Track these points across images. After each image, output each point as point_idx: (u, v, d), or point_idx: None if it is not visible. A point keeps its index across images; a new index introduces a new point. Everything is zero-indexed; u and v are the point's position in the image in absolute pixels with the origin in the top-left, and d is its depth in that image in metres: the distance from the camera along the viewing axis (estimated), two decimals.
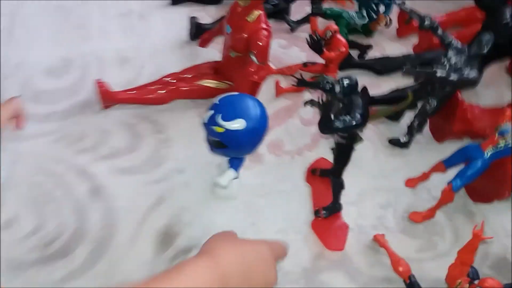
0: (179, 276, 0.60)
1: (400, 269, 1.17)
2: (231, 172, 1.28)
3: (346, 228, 1.31)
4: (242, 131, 1.15)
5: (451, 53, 1.38)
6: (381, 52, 1.94)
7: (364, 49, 1.87)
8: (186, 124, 1.56)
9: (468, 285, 1.00)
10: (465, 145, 1.31)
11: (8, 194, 1.29)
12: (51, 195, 1.33)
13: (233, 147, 1.19)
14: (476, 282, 1.00)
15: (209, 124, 1.17)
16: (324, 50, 1.65)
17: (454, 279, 1.05)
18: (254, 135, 1.19)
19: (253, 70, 1.45)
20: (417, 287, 1.15)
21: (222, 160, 1.33)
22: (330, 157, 1.47)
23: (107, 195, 1.34)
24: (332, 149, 1.53)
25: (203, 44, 1.82)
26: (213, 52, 1.79)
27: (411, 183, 1.45)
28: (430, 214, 1.34)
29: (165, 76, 1.62)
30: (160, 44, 1.87)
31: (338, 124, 1.08)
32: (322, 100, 1.21)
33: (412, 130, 1.51)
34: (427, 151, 1.56)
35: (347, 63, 1.77)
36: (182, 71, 1.63)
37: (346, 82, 1.14)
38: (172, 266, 0.60)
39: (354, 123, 1.08)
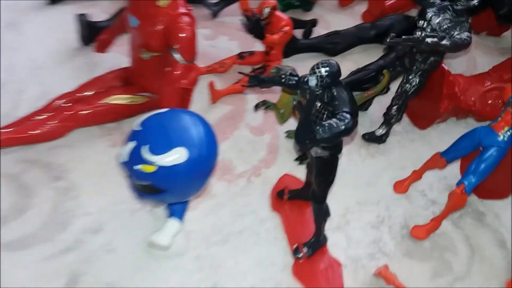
0: None
1: None
2: (173, 224, 0.98)
3: (338, 266, 1.09)
4: (183, 165, 0.88)
5: (430, 13, 1.20)
6: (326, 28, 1.76)
7: (309, 26, 1.66)
8: (95, 160, 1.27)
9: None
10: (472, 130, 1.14)
11: None
12: None
13: (173, 190, 0.92)
14: None
15: (132, 162, 0.88)
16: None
17: None
18: (202, 166, 0.93)
19: (179, 72, 1.21)
20: None
21: (155, 205, 1.02)
22: (296, 171, 1.23)
23: None
24: (300, 160, 1.29)
25: (101, 48, 1.55)
26: (117, 57, 1.52)
27: (400, 187, 1.27)
28: (435, 225, 1.17)
29: (56, 99, 1.32)
30: (42, 57, 1.55)
31: (322, 132, 0.84)
32: (299, 102, 0.97)
33: (389, 119, 1.31)
34: (410, 142, 1.40)
35: (292, 46, 1.57)
36: (79, 88, 1.36)
37: (324, 70, 0.89)
38: None
39: (343, 127, 0.84)
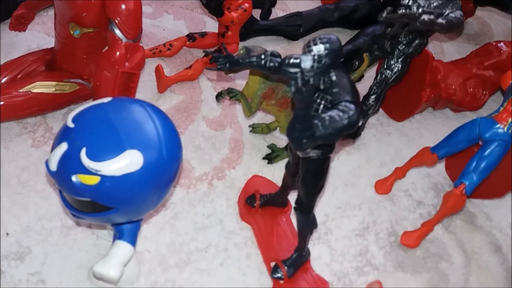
0: None
1: None
2: (123, 249, 0.77)
3: (325, 286, 0.94)
4: (137, 174, 0.68)
5: None
6: (283, 10, 1.63)
7: (267, 6, 1.52)
8: (12, 166, 1.07)
9: None
10: (470, 121, 1.03)
11: None
12: None
13: (123, 207, 0.71)
14: None
15: (65, 172, 0.66)
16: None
17: None
18: (161, 173, 0.74)
19: (120, 53, 1.04)
20: None
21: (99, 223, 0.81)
22: (267, 172, 1.07)
23: None
24: (269, 158, 1.14)
25: (18, 25, 1.36)
26: (39, 36, 1.34)
27: (383, 187, 1.16)
28: (426, 231, 1.06)
29: None
30: None
31: (322, 128, 0.67)
32: (299, 84, 0.72)
33: (367, 110, 1.19)
34: (386, 135, 1.30)
35: (249, 28, 1.43)
36: None
37: (323, 47, 0.73)
38: None
39: (346, 121, 0.68)
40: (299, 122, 0.68)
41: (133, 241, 0.80)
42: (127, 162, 0.67)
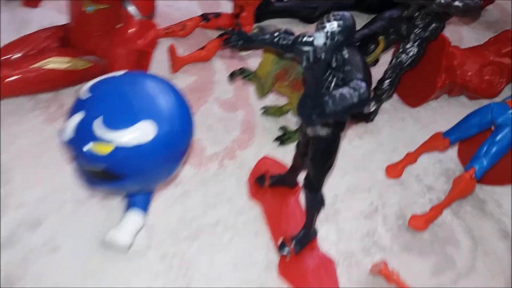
0: None
1: None
2: (134, 218, 0.82)
3: (330, 263, 1.00)
4: (150, 144, 0.73)
5: None
6: None
7: None
8: (26, 140, 1.12)
9: None
10: (483, 106, 1.07)
11: None
12: None
13: (135, 176, 0.76)
14: None
15: (80, 141, 0.71)
16: None
17: None
18: (174, 144, 0.79)
19: (134, 30, 1.08)
20: None
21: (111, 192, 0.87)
22: (277, 153, 1.11)
23: None
24: (281, 140, 1.17)
25: (31, 1, 1.40)
26: (51, 13, 1.39)
27: (393, 171, 1.20)
28: (435, 215, 1.11)
29: None
30: None
31: (332, 105, 0.70)
32: (309, 58, 0.80)
33: (380, 95, 1.23)
34: (400, 121, 1.34)
35: (265, 9, 1.48)
36: (3, 49, 1.19)
37: (336, 24, 0.76)
38: None
39: (356, 98, 0.71)
40: (310, 99, 0.71)
41: (144, 212, 0.84)
42: (140, 132, 0.72)
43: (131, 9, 1.05)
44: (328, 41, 0.75)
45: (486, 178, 1.18)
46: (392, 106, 1.35)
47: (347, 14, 0.76)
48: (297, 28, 1.53)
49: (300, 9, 1.50)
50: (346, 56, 0.76)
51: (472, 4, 1.06)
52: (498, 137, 1.00)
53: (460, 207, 1.14)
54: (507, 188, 1.20)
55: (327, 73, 0.77)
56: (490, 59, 1.28)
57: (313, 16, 1.50)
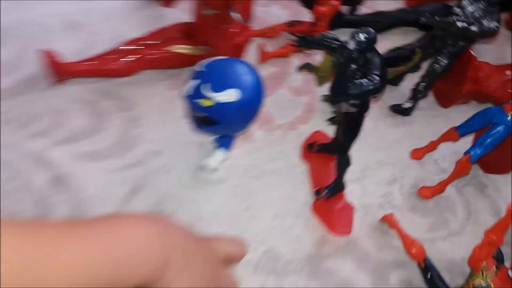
0: (111, 229, 0.53)
1: (414, 251, 1.19)
2: (221, 153, 1.26)
3: (351, 209, 1.33)
4: (235, 103, 1.13)
5: (465, 2, 1.40)
6: (373, 8, 1.98)
7: (355, 3, 1.87)
8: (158, 98, 1.53)
9: (495, 268, 1.03)
10: (485, 108, 1.34)
11: None
12: (4, 187, 1.26)
13: (225, 123, 1.18)
14: (506, 265, 1.03)
15: (193, 97, 1.15)
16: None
17: (479, 261, 1.07)
18: (249, 107, 1.19)
19: (235, 30, 1.45)
20: (434, 271, 1.17)
21: (206, 138, 1.32)
22: (327, 129, 1.48)
23: (73, 185, 1.30)
24: (331, 120, 1.53)
25: (167, 3, 1.80)
26: (180, 13, 1.76)
27: (417, 154, 1.49)
28: (440, 188, 1.38)
29: (126, 43, 1.56)
30: (115, 6, 1.82)
31: (354, 89, 1.06)
32: (335, 61, 1.16)
33: (416, 94, 1.54)
34: (432, 118, 1.61)
35: (338, 20, 1.80)
36: (147, 36, 1.58)
37: (362, 36, 1.08)
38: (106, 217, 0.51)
39: (372, 87, 1.06)
40: (338, 84, 1.10)
41: (227, 150, 1.28)
42: (229, 95, 1.12)
43: (235, 15, 1.47)
44: (357, 46, 1.10)
45: (489, 168, 1.48)
46: (428, 106, 1.65)
47: (371, 30, 1.10)
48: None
49: (366, 22, 1.80)
50: (369, 57, 1.09)
51: (487, 29, 1.35)
52: (492, 132, 1.28)
53: (465, 187, 1.44)
54: (507, 177, 1.48)
55: (354, 68, 1.13)
56: None
57: (377, 28, 1.83)
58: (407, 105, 1.57)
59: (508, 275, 1.02)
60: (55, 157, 1.35)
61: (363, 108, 1.20)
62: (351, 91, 1.06)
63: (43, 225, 0.48)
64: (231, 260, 0.65)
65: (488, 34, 1.37)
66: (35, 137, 1.39)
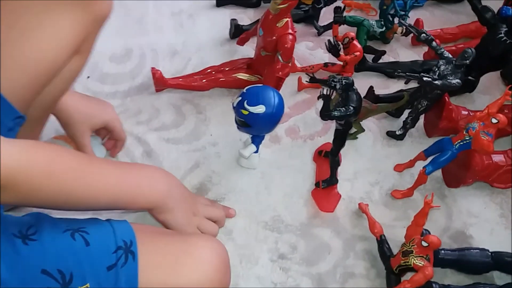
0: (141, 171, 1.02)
1: (375, 230, 1.69)
2: (252, 147, 1.85)
3: (338, 197, 1.81)
4: (262, 115, 1.49)
5: (441, 62, 1.81)
6: (395, 58, 2.39)
7: (378, 54, 2.37)
8: (221, 108, 1.90)
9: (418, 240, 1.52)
10: (440, 138, 1.74)
11: None
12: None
13: (255, 127, 1.53)
14: None
15: (238, 107, 1.50)
16: (341, 53, 2.19)
17: (410, 237, 1.56)
18: (271, 118, 1.63)
19: (279, 67, 1.77)
20: (386, 244, 1.66)
21: (247, 137, 1.68)
22: None
23: (156, 158, 1.88)
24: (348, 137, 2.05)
25: (241, 42, 2.15)
26: (248, 50, 2.14)
27: (398, 168, 1.95)
28: (408, 193, 1.82)
29: (207, 68, 2.10)
30: (205, 41, 2.37)
31: (335, 113, 1.48)
32: (326, 93, 1.52)
33: (406, 125, 2.02)
34: (418, 143, 2.03)
35: (362, 65, 2.24)
36: (221, 64, 1.97)
37: (344, 81, 1.50)
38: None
39: (347, 113, 1.49)
40: (324, 109, 1.68)
41: (257, 145, 1.86)
42: (259, 109, 1.61)
43: (279, 57, 1.85)
44: (341, 87, 1.64)
45: (448, 182, 1.96)
46: (418, 133, 2.04)
47: (350, 78, 1.63)
48: (381, 79, 2.31)
49: (384, 69, 2.20)
50: (349, 94, 1.64)
51: (448, 84, 1.78)
52: (442, 155, 1.72)
53: (429, 195, 1.93)
54: (465, 191, 1.90)
55: (339, 100, 1.66)
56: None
57: (392, 75, 2.27)
58: (399, 132, 2.05)
59: (421, 244, 1.50)
60: (149, 139, 1.97)
61: (347, 126, 1.77)
62: (333, 114, 1.63)
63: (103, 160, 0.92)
64: (212, 218, 1.19)
65: (449, 88, 1.73)
66: (139, 124, 2.03)
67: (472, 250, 1.59)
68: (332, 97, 1.59)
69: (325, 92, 1.53)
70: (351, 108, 1.55)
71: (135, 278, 0.71)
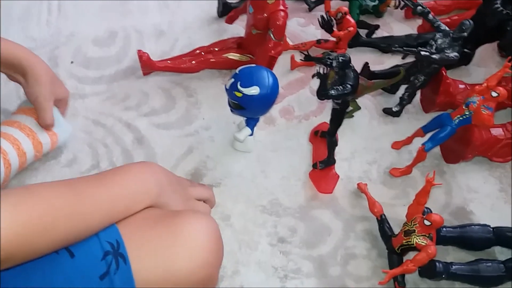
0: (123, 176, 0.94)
1: (375, 210, 1.69)
2: (247, 129, 1.81)
3: (336, 177, 1.81)
4: (256, 96, 1.47)
5: (438, 36, 1.75)
6: (388, 32, 2.34)
7: (372, 28, 2.32)
8: (213, 90, 1.86)
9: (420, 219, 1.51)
10: (439, 114, 1.71)
11: (68, 140, 1.74)
12: (103, 141, 1.89)
13: (249, 109, 1.52)
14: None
15: (231, 89, 1.47)
16: (334, 29, 2.13)
17: (412, 216, 1.56)
18: (266, 100, 1.62)
19: (271, 46, 1.74)
20: (386, 223, 1.65)
21: (241, 120, 1.64)
22: None
23: (148, 144, 1.86)
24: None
25: (229, 21, 2.11)
26: (238, 28, 2.10)
27: (396, 145, 1.93)
28: (407, 170, 1.82)
29: (196, 49, 2.06)
30: (192, 21, 2.31)
31: (332, 92, 1.46)
32: (322, 72, 1.48)
33: (402, 101, 1.99)
34: (415, 120, 2.01)
35: (355, 41, 2.19)
36: (210, 44, 1.93)
37: (341, 58, 1.46)
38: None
39: (345, 91, 1.48)
40: (322, 87, 1.64)
41: (252, 128, 1.82)
42: (253, 91, 1.56)
43: (271, 35, 1.84)
44: (337, 64, 1.59)
45: (446, 158, 1.94)
46: (415, 110, 2.04)
47: (347, 55, 1.59)
48: (376, 55, 2.25)
49: (379, 44, 2.16)
50: (346, 72, 1.60)
51: (446, 58, 1.75)
52: (441, 131, 1.70)
53: (428, 172, 1.91)
54: (464, 167, 1.89)
55: (336, 78, 1.63)
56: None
57: (388, 50, 2.24)
58: (395, 108, 2.03)
59: (424, 223, 1.50)
60: (139, 124, 1.94)
61: (344, 105, 1.73)
62: (330, 93, 1.59)
63: (78, 181, 0.83)
64: (202, 199, 1.20)
65: (447, 62, 1.71)
66: (127, 110, 1.98)
67: (473, 227, 1.58)
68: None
69: (321, 71, 1.48)
70: (349, 86, 1.51)
71: (131, 281, 0.68)
